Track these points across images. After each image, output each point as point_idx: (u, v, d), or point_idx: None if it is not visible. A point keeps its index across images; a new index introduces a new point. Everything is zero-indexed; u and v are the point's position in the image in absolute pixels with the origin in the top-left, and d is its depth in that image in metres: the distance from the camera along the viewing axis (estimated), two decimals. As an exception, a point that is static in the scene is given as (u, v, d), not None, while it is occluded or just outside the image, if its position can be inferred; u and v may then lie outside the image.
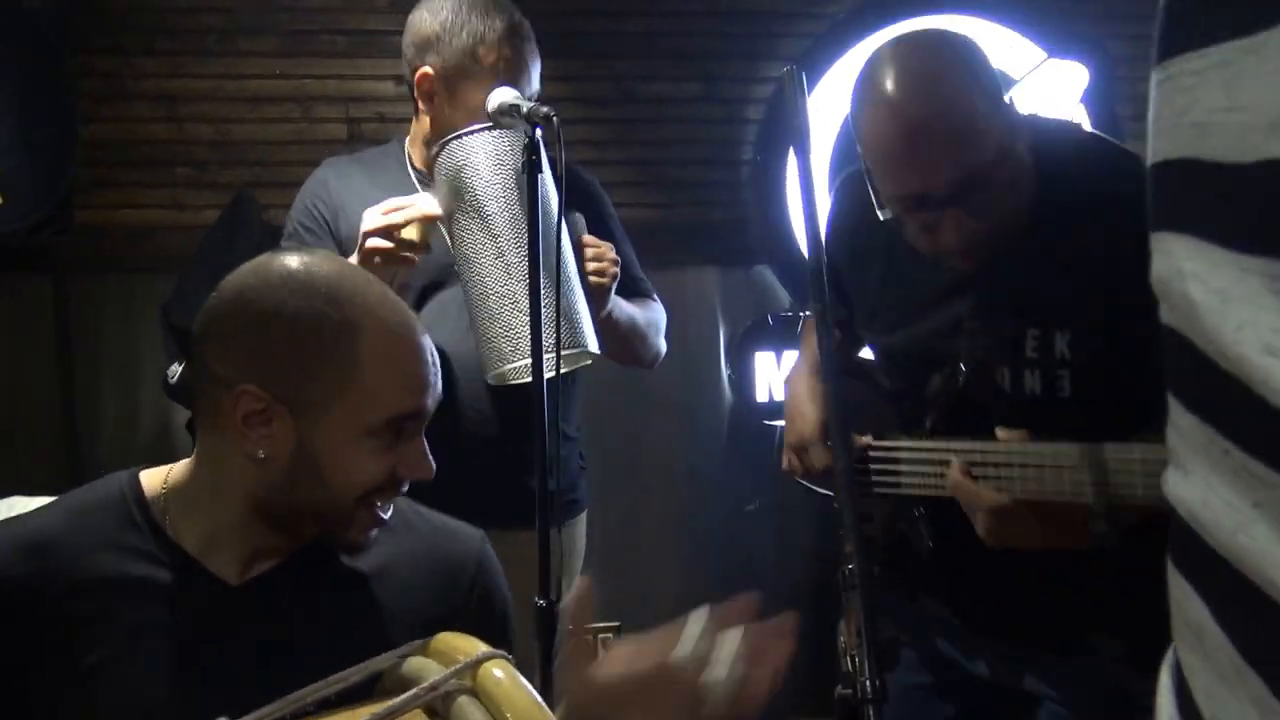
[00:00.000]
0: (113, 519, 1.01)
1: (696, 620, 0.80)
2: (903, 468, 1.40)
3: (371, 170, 1.82)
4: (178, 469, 1.05)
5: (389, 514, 1.04)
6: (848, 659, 0.94)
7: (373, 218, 1.58)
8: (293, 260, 1.00)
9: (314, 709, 0.87)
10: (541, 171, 1.48)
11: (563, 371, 1.50)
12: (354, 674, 0.89)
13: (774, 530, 2.94)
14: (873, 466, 1.46)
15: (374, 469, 1.00)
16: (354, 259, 1.58)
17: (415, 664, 0.87)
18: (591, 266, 1.66)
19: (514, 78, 1.70)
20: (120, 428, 2.80)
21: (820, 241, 1.11)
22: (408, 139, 1.85)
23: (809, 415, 1.54)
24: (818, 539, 2.82)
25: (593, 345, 1.59)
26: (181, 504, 1.03)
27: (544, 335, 1.45)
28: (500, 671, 0.80)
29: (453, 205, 1.59)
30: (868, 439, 1.46)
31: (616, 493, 2.83)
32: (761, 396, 2.96)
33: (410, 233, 1.59)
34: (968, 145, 1.18)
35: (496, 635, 1.10)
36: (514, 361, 1.55)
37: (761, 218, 2.90)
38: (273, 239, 2.16)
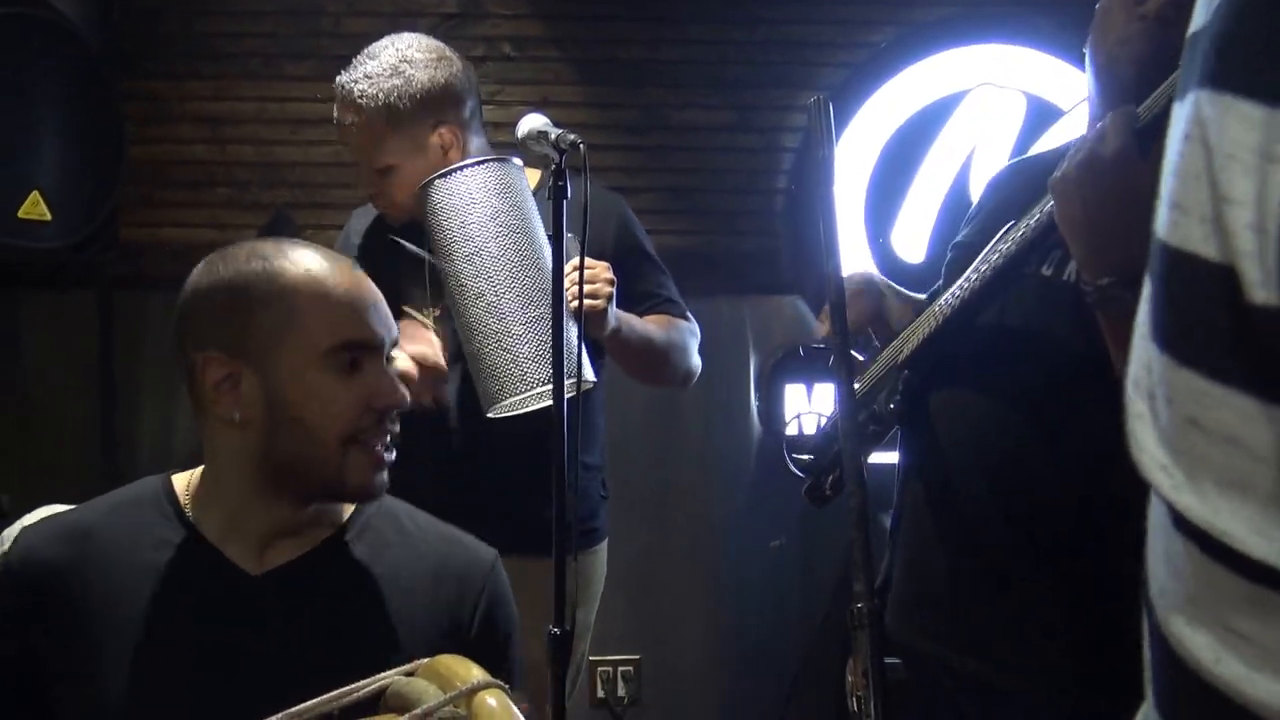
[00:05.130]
0: (146, 512, 1.12)
1: None
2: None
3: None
4: (199, 470, 1.15)
5: (392, 455, 1.10)
6: (854, 699, 0.94)
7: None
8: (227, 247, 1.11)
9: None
10: (568, 198, 1.48)
11: (567, 397, 1.51)
12: (358, 689, 0.91)
13: (801, 566, 2.90)
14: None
15: (341, 402, 1.05)
16: None
17: (416, 685, 0.89)
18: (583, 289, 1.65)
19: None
20: (158, 441, 2.84)
21: (841, 273, 1.12)
22: None
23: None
24: (845, 576, 2.77)
25: (588, 374, 1.60)
26: (201, 498, 1.12)
27: (539, 368, 1.51)
28: (494, 700, 0.83)
29: (439, 246, 1.62)
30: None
31: (641, 524, 2.82)
32: (790, 430, 2.90)
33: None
34: None
35: (497, 656, 1.13)
36: (501, 400, 1.59)
37: (794, 248, 2.88)
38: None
